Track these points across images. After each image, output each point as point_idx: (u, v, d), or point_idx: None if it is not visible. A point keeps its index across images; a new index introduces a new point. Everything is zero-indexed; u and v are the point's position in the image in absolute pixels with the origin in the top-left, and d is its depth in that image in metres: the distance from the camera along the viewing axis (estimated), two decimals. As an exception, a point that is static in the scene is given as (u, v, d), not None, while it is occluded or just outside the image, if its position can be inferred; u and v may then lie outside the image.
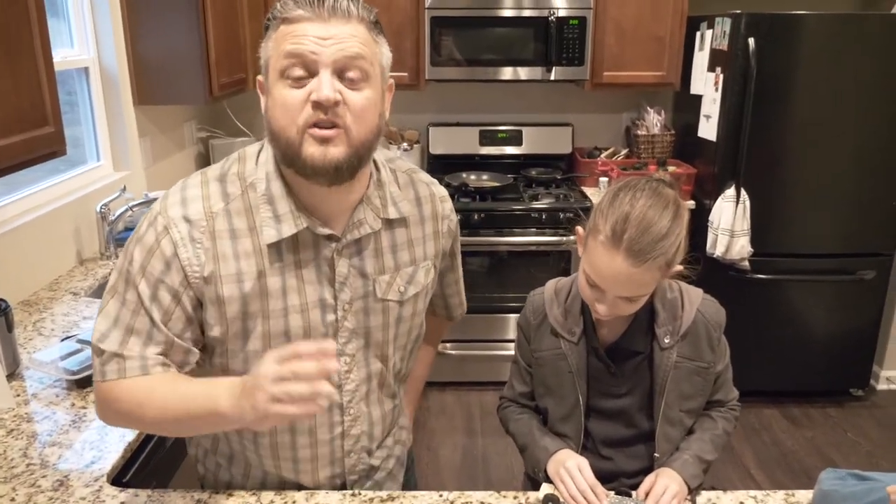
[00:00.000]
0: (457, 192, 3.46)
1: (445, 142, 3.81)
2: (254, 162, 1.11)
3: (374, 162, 1.16)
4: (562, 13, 3.28)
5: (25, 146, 1.56)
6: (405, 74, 3.43)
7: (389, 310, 1.19)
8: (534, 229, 3.34)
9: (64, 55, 2.55)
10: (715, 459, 1.36)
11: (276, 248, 1.09)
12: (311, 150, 1.00)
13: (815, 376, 3.47)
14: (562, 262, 3.37)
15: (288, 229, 1.08)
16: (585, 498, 1.23)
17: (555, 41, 3.30)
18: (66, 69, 2.56)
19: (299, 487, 1.26)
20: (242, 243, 1.08)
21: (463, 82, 3.61)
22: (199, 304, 1.10)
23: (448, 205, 1.29)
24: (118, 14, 2.73)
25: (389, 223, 1.17)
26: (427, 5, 3.26)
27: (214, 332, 1.11)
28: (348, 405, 1.21)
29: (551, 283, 1.45)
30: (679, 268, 1.26)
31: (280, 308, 1.10)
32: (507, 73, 3.39)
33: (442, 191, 1.29)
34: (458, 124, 3.84)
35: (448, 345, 3.46)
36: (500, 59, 3.37)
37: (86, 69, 2.67)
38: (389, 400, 1.29)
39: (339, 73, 1.00)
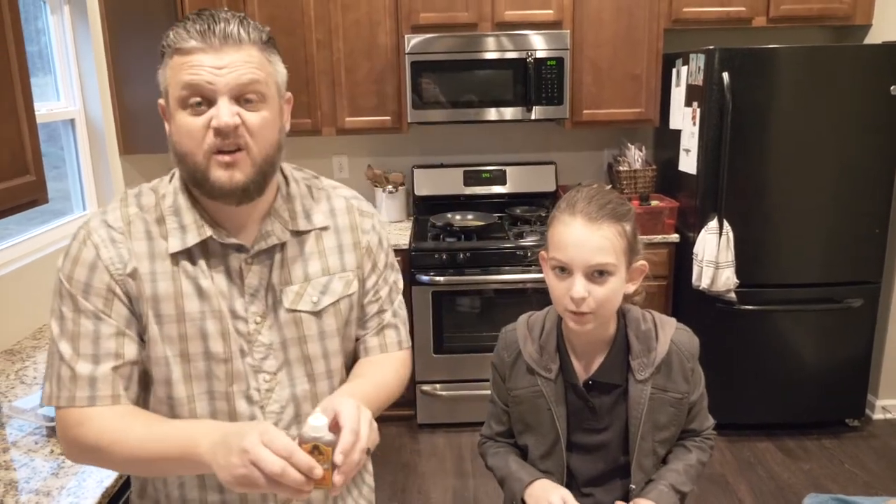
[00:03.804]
0: (441, 232, 3.48)
1: (430, 183, 3.85)
2: (168, 179, 1.18)
3: (284, 176, 1.21)
4: (540, 54, 3.36)
5: (7, 194, 1.58)
6: (388, 118, 3.50)
7: (303, 322, 1.17)
8: (520, 267, 3.35)
9: (50, 108, 2.59)
10: (690, 491, 1.35)
11: (187, 254, 1.13)
12: (218, 175, 1.06)
13: (809, 407, 3.44)
14: (548, 299, 3.36)
15: (192, 238, 1.12)
16: None
17: (534, 82, 3.37)
18: (52, 121, 2.60)
19: None
20: (159, 245, 1.13)
21: (445, 124, 3.67)
22: (131, 301, 1.12)
23: (370, 221, 1.26)
24: (104, 66, 2.78)
25: (299, 234, 1.19)
26: (407, 51, 3.33)
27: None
28: None
29: (523, 319, 1.45)
30: (643, 263, 1.32)
31: (197, 311, 1.12)
32: (488, 114, 3.45)
33: (366, 206, 1.28)
34: (442, 166, 3.88)
35: (437, 385, 3.42)
36: (481, 101, 3.44)
37: (72, 121, 2.71)
38: None
39: (237, 98, 1.05)
